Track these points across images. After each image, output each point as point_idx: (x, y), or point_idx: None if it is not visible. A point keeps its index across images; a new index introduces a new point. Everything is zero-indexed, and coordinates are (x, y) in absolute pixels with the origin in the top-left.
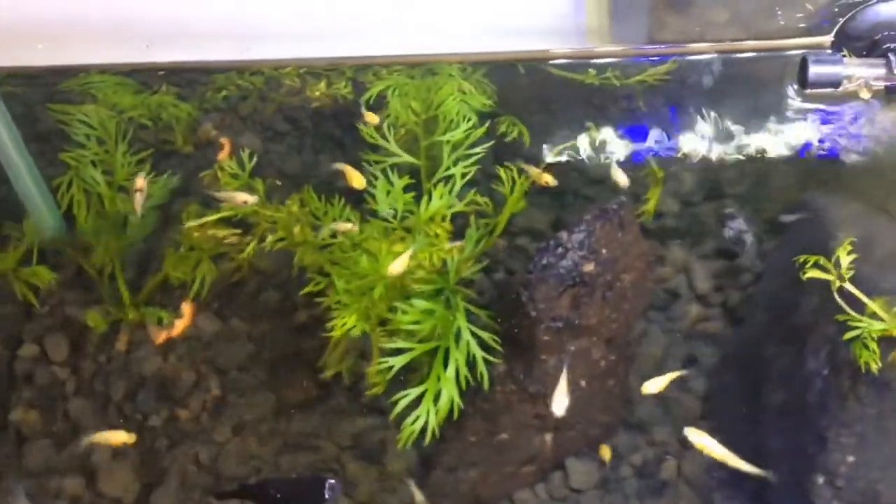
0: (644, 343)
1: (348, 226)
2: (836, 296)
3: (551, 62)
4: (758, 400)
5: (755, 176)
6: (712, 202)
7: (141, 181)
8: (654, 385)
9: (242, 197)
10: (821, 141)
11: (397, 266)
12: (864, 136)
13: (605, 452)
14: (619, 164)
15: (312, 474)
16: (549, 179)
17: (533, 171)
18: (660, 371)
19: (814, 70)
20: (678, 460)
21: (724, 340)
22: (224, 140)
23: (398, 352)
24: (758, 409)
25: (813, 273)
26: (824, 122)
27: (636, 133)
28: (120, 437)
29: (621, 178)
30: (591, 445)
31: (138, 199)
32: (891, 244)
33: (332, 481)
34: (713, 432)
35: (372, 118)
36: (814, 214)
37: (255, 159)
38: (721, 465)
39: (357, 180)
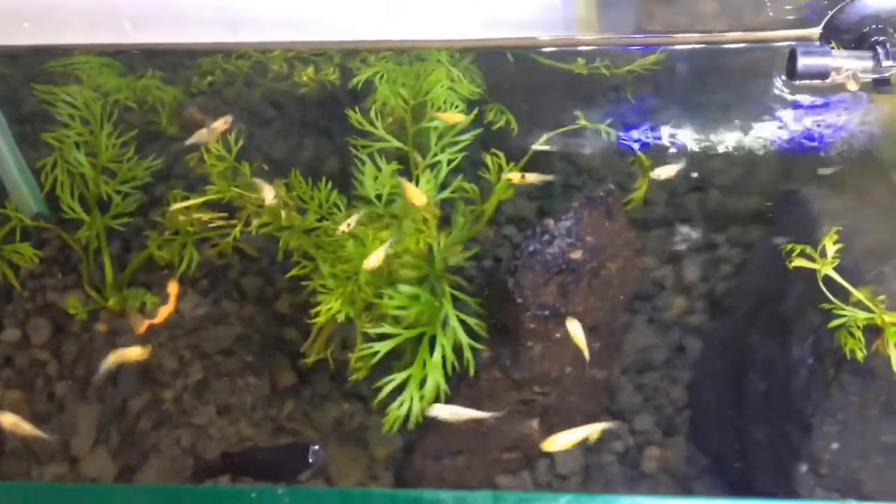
0: (629, 333)
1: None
2: (820, 285)
3: (539, 50)
4: (742, 389)
5: (741, 166)
6: (698, 192)
7: (197, 112)
8: (563, 441)
9: (269, 192)
10: (807, 132)
11: (373, 260)
12: (851, 128)
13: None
14: (607, 152)
15: (295, 441)
16: (532, 179)
17: (514, 177)
18: (646, 362)
19: (802, 62)
20: (661, 449)
21: (709, 330)
22: (209, 123)
23: (383, 337)
24: (742, 398)
25: (799, 262)
26: (811, 113)
27: (624, 122)
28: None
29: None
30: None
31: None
32: (875, 235)
33: (317, 447)
34: (698, 421)
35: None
36: (800, 206)
37: (241, 143)
38: (702, 455)
39: (417, 197)
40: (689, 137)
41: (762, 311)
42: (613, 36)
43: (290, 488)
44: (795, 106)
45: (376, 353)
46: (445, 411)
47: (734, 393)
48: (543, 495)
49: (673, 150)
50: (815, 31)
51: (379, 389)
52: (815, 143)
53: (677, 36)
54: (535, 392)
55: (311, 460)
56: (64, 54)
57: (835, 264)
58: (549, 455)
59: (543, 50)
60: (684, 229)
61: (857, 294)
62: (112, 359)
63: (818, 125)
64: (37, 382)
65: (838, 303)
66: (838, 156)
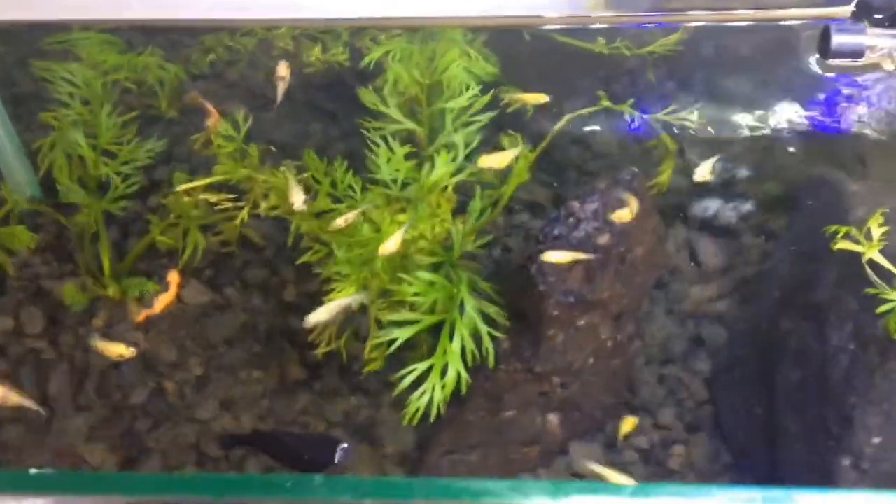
0: (652, 322)
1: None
2: (866, 268)
3: (548, 28)
4: (771, 379)
5: (766, 150)
6: (721, 176)
7: (284, 68)
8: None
9: (299, 195)
10: (838, 113)
11: (391, 245)
12: (885, 109)
13: (628, 425)
14: (629, 137)
15: (326, 435)
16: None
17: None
18: (666, 353)
19: (836, 39)
20: (685, 445)
21: (737, 318)
22: (212, 106)
23: (400, 325)
24: (770, 388)
25: (844, 245)
26: (842, 94)
27: (646, 104)
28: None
29: None
30: (597, 427)
31: (281, 88)
32: None
33: (346, 446)
34: (721, 413)
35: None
36: (831, 189)
37: (249, 123)
38: (730, 449)
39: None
40: (714, 120)
41: (793, 297)
42: (623, 13)
43: (326, 477)
44: (826, 86)
45: (393, 341)
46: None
47: (764, 383)
48: (606, 485)
49: (697, 133)
50: (848, 10)
51: (395, 381)
52: (846, 125)
53: (696, 13)
54: (555, 384)
55: (336, 459)
56: (61, 30)
57: (880, 247)
58: (567, 452)
59: (556, 28)
60: (708, 213)
61: None
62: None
63: (850, 106)
64: (30, 373)
65: (886, 286)
66: (872, 137)
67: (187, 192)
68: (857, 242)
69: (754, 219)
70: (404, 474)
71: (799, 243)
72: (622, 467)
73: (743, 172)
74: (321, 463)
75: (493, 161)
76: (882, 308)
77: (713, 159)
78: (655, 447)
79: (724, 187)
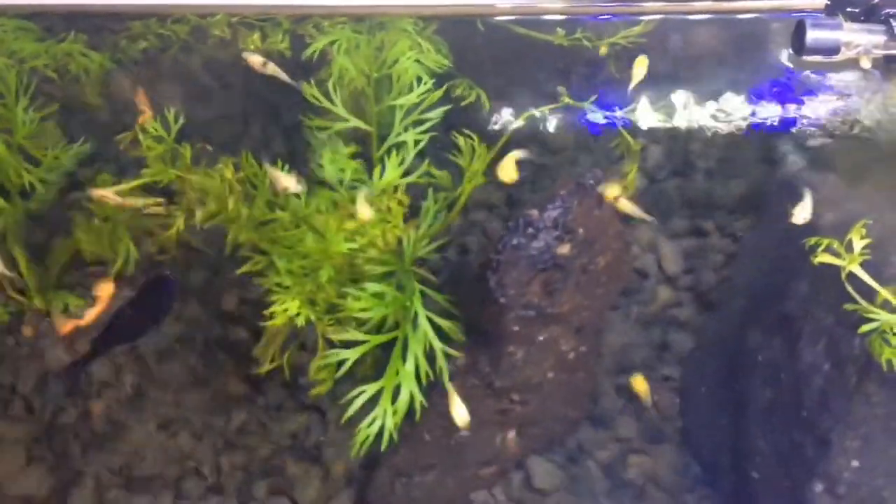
0: (613, 332)
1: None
2: (846, 284)
3: (497, 18)
4: (741, 395)
5: (729, 149)
6: (682, 177)
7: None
8: None
9: (286, 181)
10: (805, 111)
11: (366, 212)
12: (854, 108)
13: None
14: (588, 133)
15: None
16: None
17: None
18: (631, 363)
19: (812, 35)
20: (648, 458)
21: (698, 327)
22: (142, 99)
23: (349, 344)
24: (741, 405)
25: (825, 258)
26: (814, 93)
27: (607, 100)
28: None
29: None
30: (558, 441)
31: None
32: (888, 224)
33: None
34: (689, 430)
35: None
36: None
37: (181, 121)
38: (695, 466)
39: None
40: (674, 115)
41: (759, 308)
42: (582, 5)
43: None
44: (791, 83)
45: (341, 361)
46: None
47: (730, 399)
48: None
49: (654, 128)
50: (821, 1)
51: (343, 398)
52: (813, 123)
53: (653, 5)
54: (514, 400)
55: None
56: None
57: (860, 260)
58: (524, 468)
59: (509, 18)
60: (668, 216)
61: (885, 293)
62: None
63: (823, 106)
64: None
65: (869, 306)
66: (839, 137)
67: (116, 195)
68: (838, 255)
69: (716, 220)
70: (353, 495)
71: (764, 249)
72: (583, 481)
73: (702, 172)
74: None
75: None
76: (865, 327)
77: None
78: (615, 460)
79: (680, 189)
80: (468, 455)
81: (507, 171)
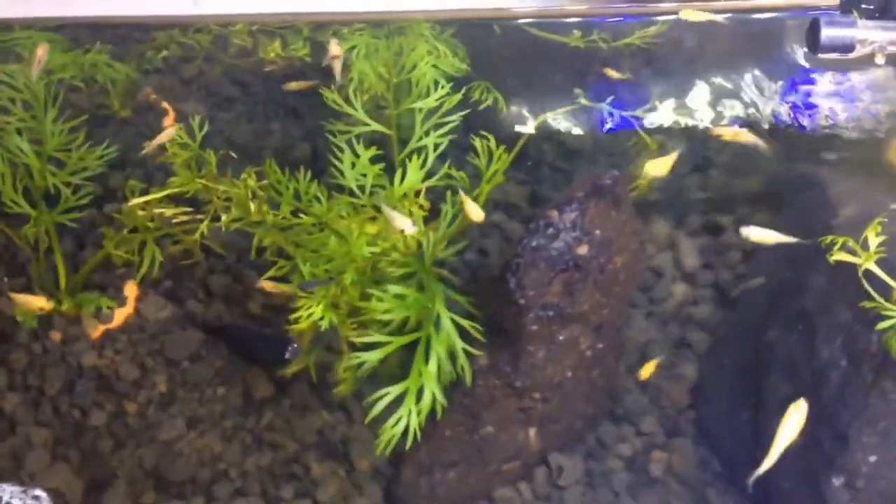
0: (632, 328)
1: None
2: (862, 280)
3: (519, 21)
4: (757, 390)
5: (748, 146)
6: (700, 173)
7: (336, 47)
8: None
9: (403, 223)
10: (820, 109)
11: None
12: (869, 105)
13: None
14: (605, 134)
15: (279, 333)
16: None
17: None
18: (646, 359)
19: (826, 33)
20: (668, 453)
21: (716, 324)
22: (167, 106)
23: (371, 345)
24: (757, 400)
25: (841, 256)
26: (831, 90)
27: (623, 99)
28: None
29: None
30: (577, 438)
31: (336, 66)
32: None
33: (295, 345)
34: (705, 424)
35: None
36: (814, 188)
37: (205, 128)
38: (715, 461)
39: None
40: (692, 115)
41: (777, 304)
42: (599, 6)
43: None
44: (808, 81)
45: (363, 363)
46: None
47: (749, 394)
48: None
49: (674, 128)
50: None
51: (369, 398)
52: (830, 121)
53: (669, 6)
54: (535, 399)
55: (287, 356)
56: (2, 29)
57: (877, 257)
58: (547, 464)
59: (526, 21)
60: (687, 214)
61: None
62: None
63: (838, 102)
64: None
65: (886, 303)
66: (856, 134)
67: (142, 207)
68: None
69: (735, 218)
70: (380, 493)
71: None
72: (605, 476)
73: (720, 169)
74: (275, 357)
75: (658, 168)
76: (882, 325)
77: (673, 155)
78: (637, 455)
79: (700, 187)
80: (491, 452)
81: (660, 167)
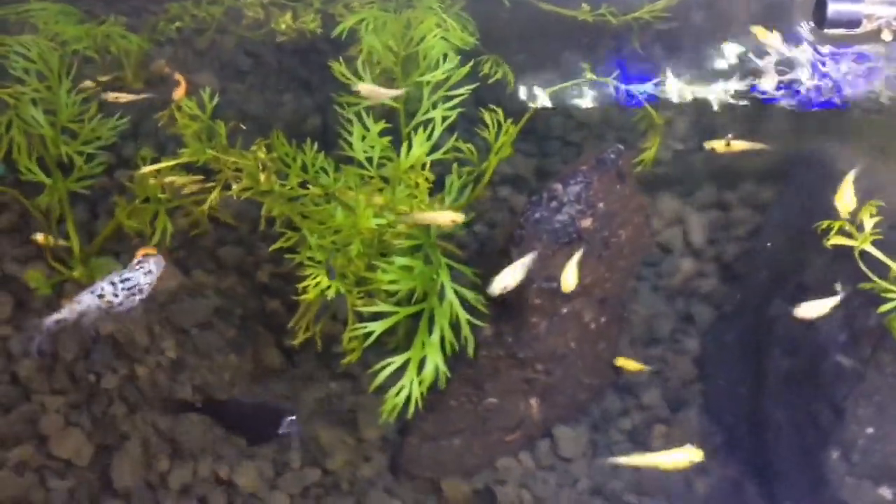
0: (636, 302)
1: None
2: (858, 261)
3: None
4: (759, 364)
5: (755, 122)
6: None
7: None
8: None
9: (448, 217)
10: (830, 86)
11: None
12: (874, 81)
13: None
14: (613, 108)
15: (274, 403)
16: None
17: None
18: (653, 333)
19: (833, 8)
20: (672, 425)
21: (720, 298)
22: (179, 77)
23: (378, 315)
24: (759, 374)
25: (837, 240)
26: (831, 65)
27: (632, 74)
28: None
29: None
30: (580, 410)
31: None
32: None
33: (293, 418)
34: (710, 398)
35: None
36: (818, 165)
37: (216, 99)
38: (716, 433)
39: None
40: (698, 90)
41: (780, 279)
42: None
43: None
44: (814, 57)
45: (370, 333)
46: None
47: (750, 368)
48: None
49: (679, 103)
50: None
51: (375, 366)
52: (834, 98)
53: None
54: (537, 370)
55: (280, 431)
56: (16, 1)
57: (872, 239)
58: (550, 435)
59: None
60: (692, 189)
61: None
62: None
63: (844, 79)
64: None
65: (887, 285)
66: (860, 111)
67: (153, 175)
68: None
69: (740, 193)
70: (385, 461)
71: (786, 222)
72: (605, 448)
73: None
74: (268, 434)
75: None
76: (884, 307)
77: None
78: (638, 427)
79: (705, 162)
80: (494, 421)
81: (846, 199)
